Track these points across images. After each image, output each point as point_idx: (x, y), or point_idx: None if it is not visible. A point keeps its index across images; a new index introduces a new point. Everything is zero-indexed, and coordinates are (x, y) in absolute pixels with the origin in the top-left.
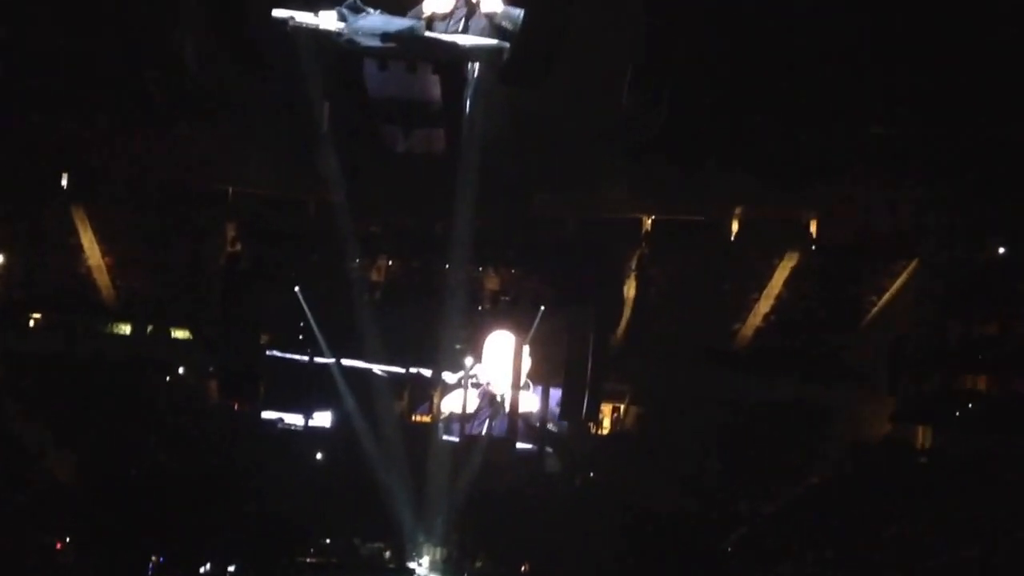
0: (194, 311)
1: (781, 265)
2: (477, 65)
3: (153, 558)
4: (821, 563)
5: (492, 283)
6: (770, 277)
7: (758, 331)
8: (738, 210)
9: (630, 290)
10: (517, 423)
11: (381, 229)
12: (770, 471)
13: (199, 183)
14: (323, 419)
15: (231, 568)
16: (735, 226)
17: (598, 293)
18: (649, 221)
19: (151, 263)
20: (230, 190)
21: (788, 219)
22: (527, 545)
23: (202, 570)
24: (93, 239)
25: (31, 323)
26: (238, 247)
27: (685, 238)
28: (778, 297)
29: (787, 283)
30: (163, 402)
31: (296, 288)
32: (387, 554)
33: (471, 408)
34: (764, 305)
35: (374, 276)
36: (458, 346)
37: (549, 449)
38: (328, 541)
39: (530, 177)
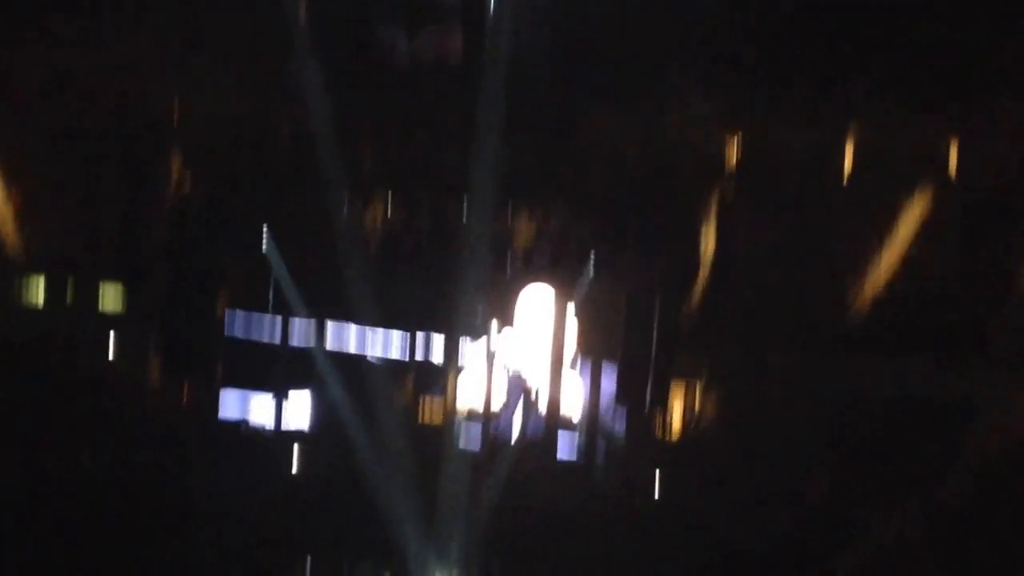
0: (129, 270)
1: (911, 211)
2: None
3: None
4: None
5: (526, 229)
6: (896, 227)
7: (880, 299)
8: (854, 136)
9: (708, 241)
10: (557, 419)
11: (378, 161)
12: (896, 483)
13: (134, 99)
14: (300, 415)
15: None
16: (849, 158)
17: (666, 244)
18: (735, 151)
19: (72, 208)
20: (176, 108)
21: (921, 149)
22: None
23: None
24: None
25: None
26: (187, 186)
27: (782, 174)
28: (907, 254)
29: (919, 236)
30: (88, 390)
31: (264, 241)
32: None
33: (497, 399)
34: (887, 264)
35: (368, 223)
36: (480, 307)
37: (601, 452)
38: (311, 563)
39: (577, 92)
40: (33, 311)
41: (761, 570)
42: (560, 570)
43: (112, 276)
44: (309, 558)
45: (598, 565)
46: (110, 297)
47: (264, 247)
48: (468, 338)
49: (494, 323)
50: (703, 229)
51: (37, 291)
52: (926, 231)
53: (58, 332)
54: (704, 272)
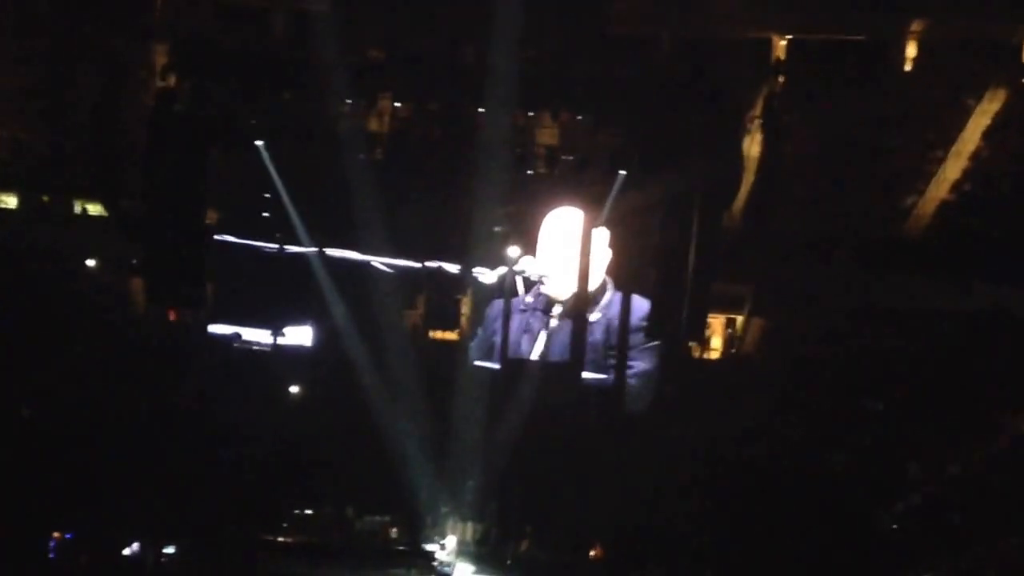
0: (107, 176)
1: (979, 110)
2: None
3: (55, 535)
4: None
5: (548, 135)
6: (961, 128)
7: (943, 209)
8: (915, 26)
9: (753, 146)
10: (585, 342)
11: (384, 54)
12: (959, 415)
13: None
14: (300, 335)
15: (168, 549)
16: (910, 51)
17: (706, 151)
18: (782, 44)
19: (41, 105)
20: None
21: (992, 42)
22: (598, 520)
23: (127, 552)
24: None
25: None
26: (171, 80)
27: (835, 70)
28: (973, 158)
29: (987, 137)
30: (64, 311)
31: (258, 143)
32: (394, 532)
33: (522, 327)
34: (952, 170)
35: (373, 125)
36: (497, 229)
37: (632, 381)
38: (309, 512)
39: None
40: (7, 226)
41: (812, 501)
42: (585, 505)
43: (86, 181)
44: (308, 492)
45: (629, 500)
46: (86, 204)
47: (255, 149)
48: (485, 256)
49: (514, 248)
50: (746, 134)
51: (3, 196)
52: (997, 129)
53: (31, 242)
54: (748, 182)
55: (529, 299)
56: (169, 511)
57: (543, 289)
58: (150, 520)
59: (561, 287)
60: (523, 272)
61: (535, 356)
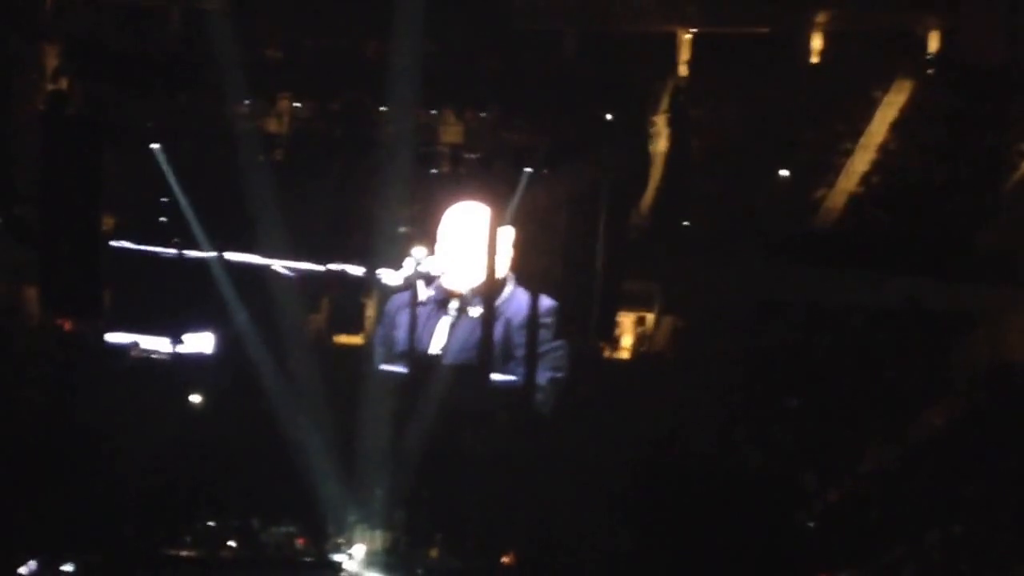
0: (1, 180)
1: (886, 103)
2: None
3: None
4: (949, 544)
5: (452, 132)
6: (869, 121)
7: (852, 201)
8: (821, 18)
9: (660, 141)
10: (492, 341)
11: (284, 53)
12: (874, 410)
13: None
14: (200, 342)
15: (66, 567)
16: (817, 43)
17: (612, 146)
18: (688, 37)
19: None
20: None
21: (897, 33)
22: (509, 525)
23: (23, 570)
24: None
25: None
26: (63, 82)
27: (742, 63)
28: (881, 150)
29: (895, 130)
30: None
31: (154, 145)
32: (300, 542)
33: (422, 320)
34: (860, 162)
35: (273, 126)
36: (401, 229)
37: (541, 381)
38: (212, 524)
39: None
40: None
41: (726, 499)
42: (496, 509)
43: None
44: (211, 503)
45: (541, 503)
46: None
47: (151, 152)
48: (389, 257)
49: (418, 246)
50: (652, 129)
51: None
52: (905, 123)
53: None
54: (655, 177)
55: (429, 293)
56: (67, 526)
57: (441, 283)
58: (47, 536)
59: (458, 281)
60: (423, 269)
61: (433, 350)
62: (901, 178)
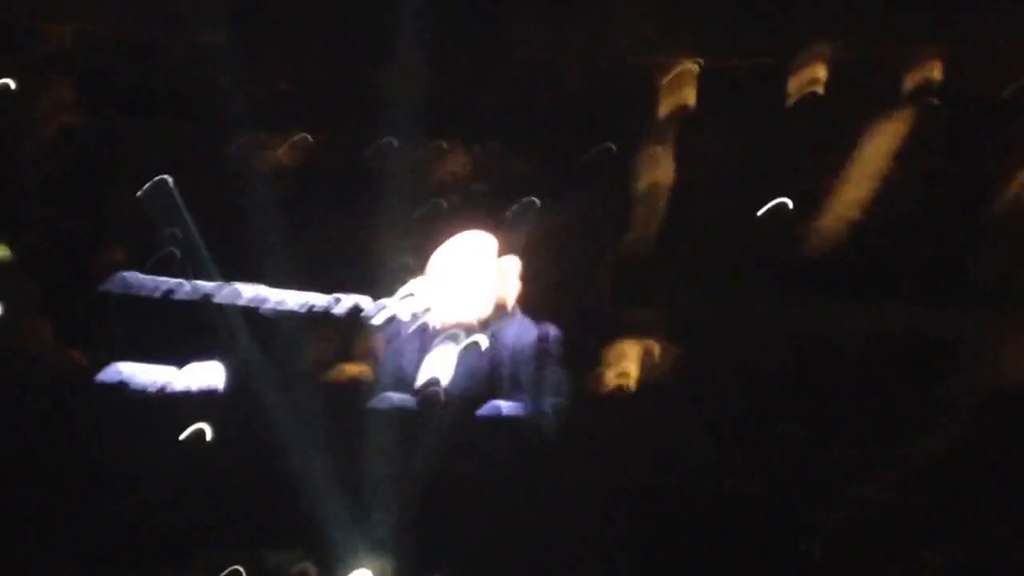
0: (7, 213)
1: (884, 131)
2: None
3: None
4: (950, 568)
5: (456, 163)
6: (869, 151)
7: (851, 231)
8: (822, 50)
9: (664, 171)
10: (497, 371)
11: (288, 85)
12: (871, 435)
13: (5, 16)
14: (206, 374)
15: None
16: (820, 72)
17: (616, 176)
18: (692, 68)
19: None
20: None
21: (895, 63)
22: (513, 553)
23: None
24: None
25: None
26: (72, 116)
27: (743, 92)
28: (881, 180)
29: (894, 160)
30: None
31: (167, 178)
32: (309, 571)
33: (426, 350)
34: (858, 190)
35: (279, 158)
36: (406, 259)
37: (546, 410)
38: (219, 553)
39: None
40: None
41: (731, 527)
42: (504, 539)
43: None
44: (215, 541)
45: (548, 533)
46: None
47: (161, 183)
48: (392, 294)
49: (422, 277)
50: (656, 161)
51: None
52: (904, 152)
53: None
54: (659, 207)
55: (433, 324)
56: (73, 556)
57: (444, 314)
58: (53, 566)
59: (462, 312)
60: (426, 300)
61: (437, 381)
62: (898, 205)
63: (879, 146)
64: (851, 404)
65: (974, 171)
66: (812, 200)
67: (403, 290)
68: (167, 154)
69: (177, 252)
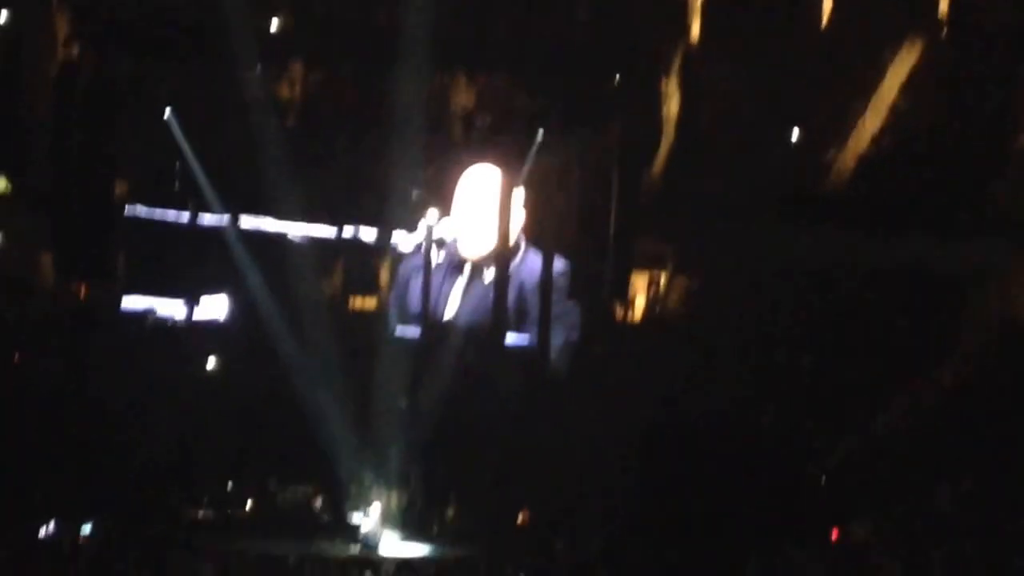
0: (13, 147)
1: (896, 64)
2: None
3: None
4: (958, 498)
5: (464, 96)
6: (881, 80)
7: (863, 162)
8: None
9: (672, 103)
10: (506, 304)
11: (293, 18)
12: (884, 369)
13: None
14: (216, 308)
15: (84, 530)
16: (828, 4)
17: (624, 108)
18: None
19: None
20: None
21: None
22: (523, 485)
23: (41, 533)
24: None
25: None
26: (74, 50)
27: (752, 21)
28: (893, 110)
29: (907, 89)
30: None
31: (167, 111)
32: (318, 502)
33: (436, 284)
34: (872, 123)
35: (285, 91)
36: (414, 193)
37: (555, 343)
38: (229, 486)
39: None
40: None
41: (739, 456)
42: (512, 471)
43: None
44: (228, 466)
45: (556, 465)
46: None
47: (163, 119)
48: (401, 227)
49: (429, 210)
50: (665, 90)
51: None
52: (918, 81)
53: None
54: (667, 138)
55: (441, 258)
56: (85, 490)
57: (454, 247)
58: (66, 500)
59: (473, 246)
60: (438, 233)
61: (448, 316)
62: (911, 139)
63: (889, 79)
64: (862, 336)
65: (990, 102)
66: (823, 133)
67: (411, 223)
68: (172, 87)
69: (183, 186)
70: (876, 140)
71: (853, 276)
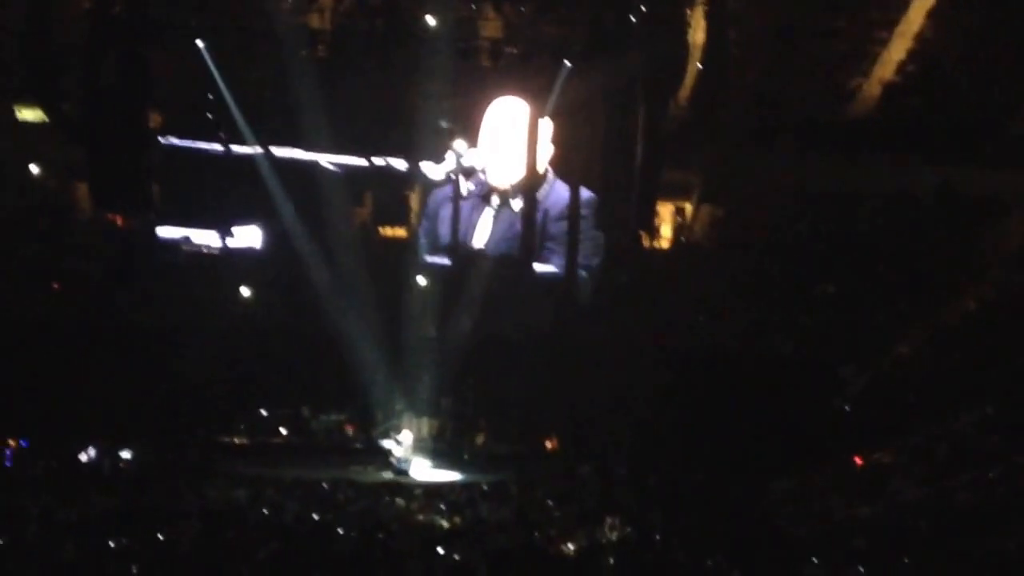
0: (47, 77)
1: None
2: None
3: (10, 442)
4: (981, 424)
5: (491, 27)
6: (905, 9)
7: (888, 90)
8: None
9: (697, 32)
10: (535, 234)
11: None
12: (908, 296)
13: None
14: (249, 236)
15: (124, 454)
16: None
17: (650, 38)
18: None
19: None
20: None
21: None
22: (553, 413)
23: (83, 458)
24: None
25: None
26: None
27: None
28: (918, 39)
29: (930, 17)
30: (7, 216)
31: (199, 42)
32: (349, 429)
33: (465, 214)
34: (897, 51)
35: (315, 22)
36: (443, 124)
37: (581, 273)
38: (263, 413)
39: None
40: None
41: (765, 381)
42: (541, 398)
43: (24, 83)
44: (259, 381)
45: (585, 391)
46: (25, 107)
47: (196, 49)
48: (431, 151)
49: (458, 141)
50: (690, 20)
51: None
52: (942, 7)
53: None
54: (693, 68)
55: (470, 187)
56: (124, 416)
57: (484, 178)
58: (106, 426)
59: (501, 176)
60: (467, 163)
61: (477, 244)
62: (936, 66)
63: (915, 6)
64: (886, 262)
65: (1017, 31)
66: (848, 59)
67: (441, 153)
68: (203, 18)
69: (216, 116)
70: (901, 67)
71: (877, 202)
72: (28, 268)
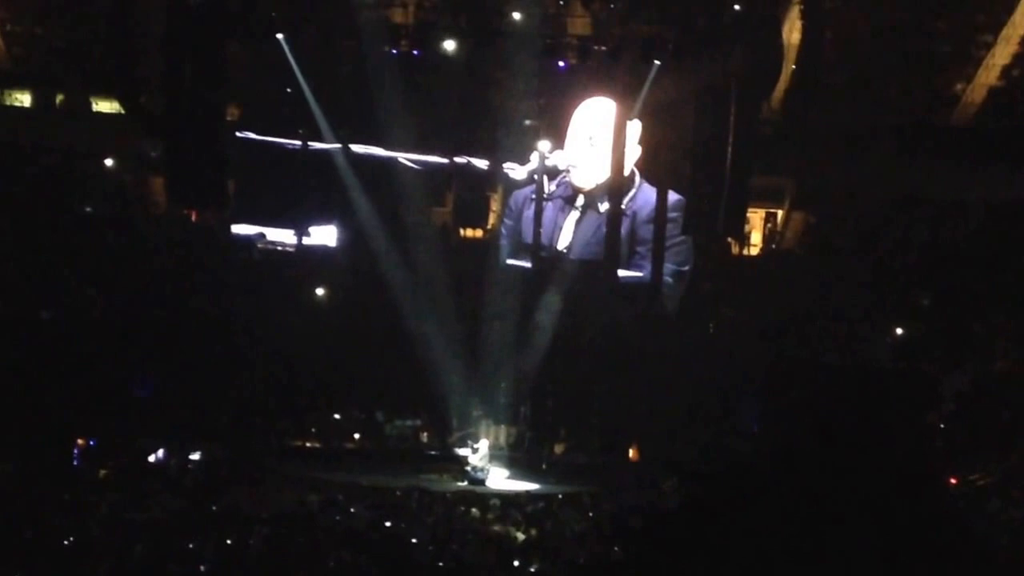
0: (125, 72)
1: None
2: None
3: (79, 441)
4: None
5: (579, 24)
6: (1011, 12)
7: (993, 95)
8: None
9: (793, 33)
10: (620, 240)
11: None
12: (1006, 307)
13: None
14: (325, 235)
15: (193, 455)
16: None
17: (743, 39)
18: None
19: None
20: None
21: None
22: (635, 422)
23: (151, 458)
24: None
25: None
26: None
27: None
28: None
29: None
30: (84, 211)
31: (279, 36)
32: (425, 436)
33: (549, 215)
34: (1002, 55)
35: (397, 17)
36: (527, 123)
37: (666, 276)
38: (336, 417)
39: None
40: (14, 113)
41: (855, 391)
42: (623, 407)
43: (103, 77)
44: (332, 385)
45: (668, 400)
46: (104, 101)
47: (276, 43)
48: (514, 151)
49: (544, 142)
50: (785, 19)
51: (18, 93)
52: None
53: (47, 139)
54: (788, 70)
55: (553, 188)
56: (194, 417)
57: (568, 179)
58: (175, 426)
59: (587, 177)
60: (550, 164)
61: (560, 247)
62: None
63: (1021, 9)
64: (984, 274)
65: None
66: (950, 64)
67: (525, 153)
68: (284, 11)
69: (294, 111)
70: (1006, 72)
71: (977, 211)
72: (100, 265)
